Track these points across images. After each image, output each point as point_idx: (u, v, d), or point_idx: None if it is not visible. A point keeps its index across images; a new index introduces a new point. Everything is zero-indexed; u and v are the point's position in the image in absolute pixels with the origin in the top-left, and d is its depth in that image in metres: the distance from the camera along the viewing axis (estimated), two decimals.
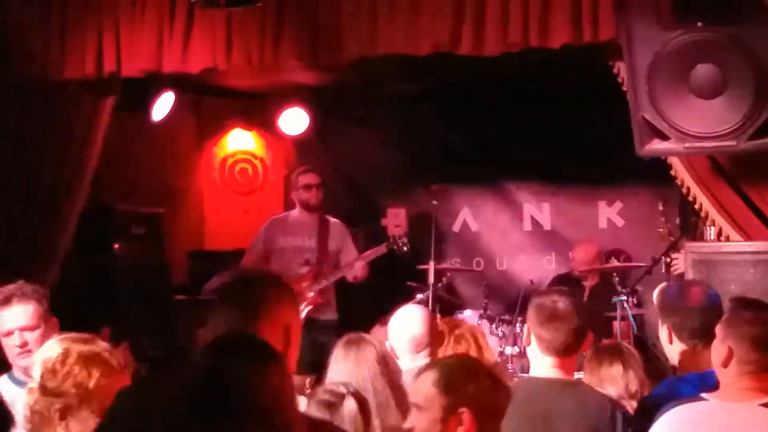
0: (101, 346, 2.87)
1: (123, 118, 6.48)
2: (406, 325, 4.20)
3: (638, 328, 6.45)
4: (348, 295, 7.20)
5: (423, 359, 4.09)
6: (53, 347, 2.87)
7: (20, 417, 2.80)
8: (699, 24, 4.64)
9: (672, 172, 5.38)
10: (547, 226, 8.20)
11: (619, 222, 8.00)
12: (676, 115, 4.71)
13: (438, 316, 5.94)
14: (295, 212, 6.97)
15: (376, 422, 3.37)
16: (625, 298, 6.38)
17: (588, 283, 7.30)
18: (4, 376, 3.71)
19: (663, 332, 3.52)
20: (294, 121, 8.42)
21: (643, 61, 4.74)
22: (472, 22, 5.20)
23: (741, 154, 4.83)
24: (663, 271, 6.35)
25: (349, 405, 2.96)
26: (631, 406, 3.72)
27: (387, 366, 3.56)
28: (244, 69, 6.09)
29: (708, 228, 5.38)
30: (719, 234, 5.26)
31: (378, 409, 3.40)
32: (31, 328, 3.65)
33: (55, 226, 6.14)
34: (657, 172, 5.83)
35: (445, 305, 7.16)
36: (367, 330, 4.77)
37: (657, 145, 4.84)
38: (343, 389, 3.02)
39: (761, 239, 5.03)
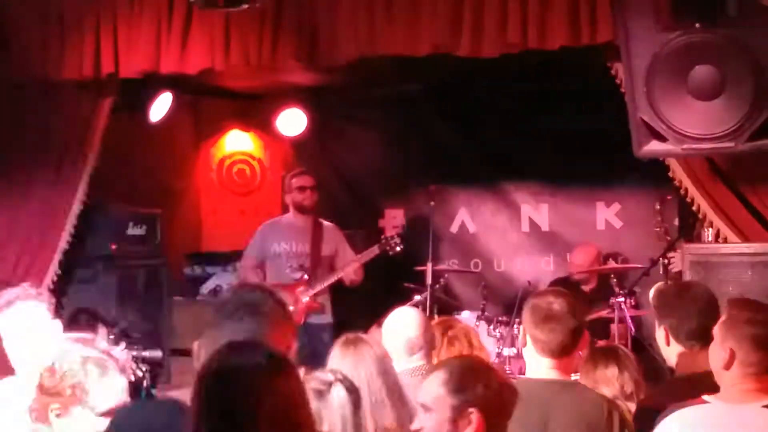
0: (101, 347, 2.87)
1: (121, 118, 6.48)
2: (400, 327, 4.20)
3: (636, 330, 6.45)
4: (345, 297, 7.19)
5: (417, 361, 4.09)
6: (54, 347, 2.87)
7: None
8: (697, 25, 4.65)
9: (670, 174, 5.39)
10: (545, 228, 8.20)
11: (618, 223, 8.00)
12: (674, 117, 4.72)
13: (435, 317, 5.94)
14: (289, 216, 6.92)
15: (370, 423, 3.35)
16: (622, 299, 6.37)
17: (586, 287, 7.29)
18: (7, 379, 3.70)
19: (660, 334, 3.51)
20: (292, 122, 8.42)
21: (642, 62, 4.75)
22: (471, 23, 5.20)
23: (739, 156, 4.84)
24: (661, 272, 6.35)
25: (338, 392, 2.92)
26: (626, 406, 3.72)
27: (384, 367, 3.55)
28: (242, 70, 6.09)
29: (706, 229, 5.39)
30: (717, 235, 5.27)
31: (373, 410, 3.39)
32: (34, 330, 3.64)
33: (52, 226, 6.13)
34: (655, 173, 5.83)
35: (443, 307, 7.16)
36: (365, 331, 4.76)
37: (655, 147, 4.84)
38: (331, 376, 2.99)
39: (759, 241, 5.04)
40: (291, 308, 6.44)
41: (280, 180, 8.29)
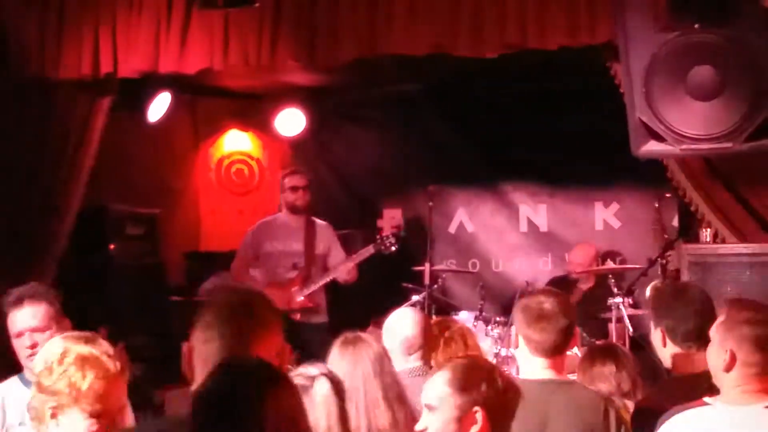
0: (102, 347, 2.87)
1: (119, 118, 6.48)
2: (399, 326, 4.20)
3: (634, 329, 6.45)
4: (343, 297, 7.19)
5: (415, 362, 4.09)
6: (55, 346, 2.87)
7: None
8: (696, 26, 4.65)
9: (668, 174, 5.39)
10: (543, 228, 8.20)
11: (616, 224, 8.00)
12: (672, 117, 4.72)
13: (433, 317, 5.94)
14: (282, 215, 6.87)
15: (364, 422, 3.36)
16: (621, 299, 6.37)
17: (584, 285, 7.30)
18: (15, 378, 3.70)
19: (656, 335, 3.50)
20: (290, 121, 8.42)
21: (640, 62, 4.74)
22: (470, 23, 5.20)
23: (737, 156, 4.83)
24: (659, 272, 6.35)
25: (321, 386, 2.90)
26: (623, 404, 3.72)
27: (382, 366, 3.54)
28: (241, 69, 6.09)
29: (704, 230, 5.39)
30: (715, 236, 5.27)
31: (366, 411, 3.39)
32: (42, 330, 3.63)
33: (51, 226, 6.13)
34: (654, 173, 5.84)
35: (441, 307, 7.16)
36: (362, 331, 4.76)
37: (653, 147, 4.84)
38: (314, 371, 2.98)
39: (757, 241, 5.04)
40: (285, 308, 6.50)
41: (279, 180, 8.29)
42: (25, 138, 6.07)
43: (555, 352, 3.44)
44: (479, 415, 2.72)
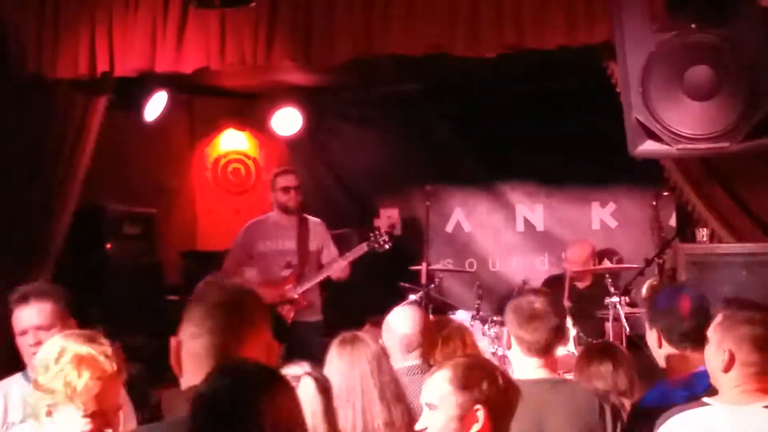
0: (100, 347, 2.87)
1: (116, 117, 6.46)
2: (398, 325, 4.20)
3: (631, 329, 6.45)
4: (340, 296, 7.19)
5: (413, 360, 4.09)
6: (53, 344, 2.87)
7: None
8: (693, 26, 4.65)
9: (665, 174, 5.39)
10: (540, 227, 8.21)
11: (613, 223, 8.01)
12: (669, 117, 4.72)
13: (430, 316, 5.94)
14: (274, 214, 6.81)
15: (359, 422, 3.37)
16: (617, 299, 6.38)
17: (581, 285, 7.30)
18: (19, 375, 3.70)
19: (652, 336, 3.50)
20: (287, 121, 8.42)
21: (637, 62, 4.74)
22: (467, 23, 5.20)
23: (734, 156, 4.83)
24: (656, 272, 6.36)
25: (305, 386, 2.90)
26: (620, 402, 3.72)
27: (380, 366, 3.54)
28: (238, 69, 6.08)
29: (700, 229, 5.39)
30: (712, 235, 5.27)
31: (363, 410, 3.40)
32: (46, 328, 3.61)
33: (47, 225, 6.12)
34: (650, 173, 5.84)
35: (438, 306, 7.16)
36: (359, 330, 4.76)
37: (650, 147, 4.84)
38: (300, 370, 2.98)
39: (754, 241, 5.04)
40: (278, 303, 6.49)
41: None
42: (21, 137, 6.06)
43: (547, 351, 3.47)
44: (481, 413, 2.73)
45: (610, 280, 6.60)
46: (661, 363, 3.52)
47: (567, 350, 6.07)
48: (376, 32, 5.37)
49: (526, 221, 8.23)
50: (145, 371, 5.95)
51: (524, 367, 3.46)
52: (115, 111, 6.33)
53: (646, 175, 6.43)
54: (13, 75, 5.90)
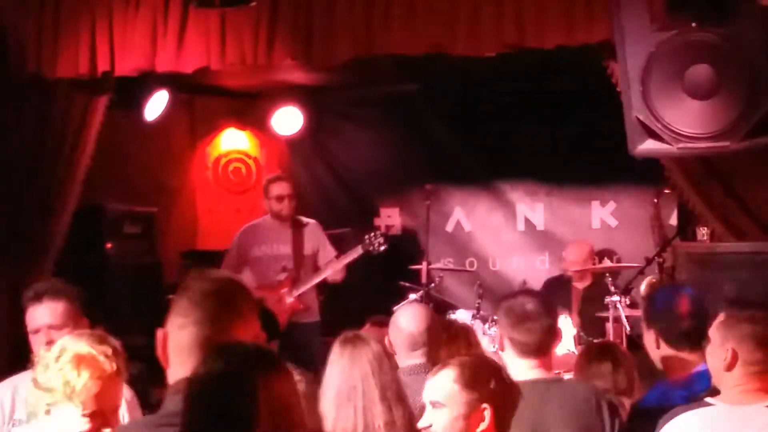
0: (100, 347, 2.87)
1: (116, 117, 6.46)
2: (404, 322, 4.19)
3: (631, 328, 6.45)
4: (340, 296, 7.19)
5: (418, 358, 4.08)
6: (57, 344, 2.89)
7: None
8: (693, 24, 4.65)
9: (666, 173, 5.39)
10: (540, 227, 8.21)
11: (613, 222, 8.01)
12: (669, 116, 4.71)
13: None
14: (269, 218, 6.78)
15: (360, 422, 3.36)
16: (618, 298, 6.38)
17: (581, 285, 7.29)
18: (28, 372, 3.70)
19: (649, 337, 3.51)
20: (287, 120, 8.42)
21: (637, 61, 4.74)
22: (467, 23, 5.20)
23: (734, 155, 4.83)
24: (656, 271, 6.36)
25: None
26: (618, 401, 3.72)
27: (381, 366, 3.53)
28: (238, 68, 6.08)
29: (701, 228, 5.39)
30: (712, 234, 5.27)
31: (364, 410, 3.39)
32: (58, 327, 3.62)
33: (47, 224, 6.12)
34: (651, 172, 5.83)
35: (438, 305, 7.15)
36: (359, 330, 4.75)
37: (650, 146, 4.84)
38: None
39: (754, 240, 5.04)
40: (275, 311, 6.48)
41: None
42: (21, 137, 6.06)
43: (542, 351, 3.46)
44: (487, 412, 2.73)
45: (610, 279, 6.60)
46: (659, 363, 3.51)
47: (567, 349, 6.08)
48: (377, 32, 5.37)
49: (527, 220, 8.23)
50: (146, 371, 5.95)
51: (518, 369, 3.44)
52: (115, 110, 6.32)
53: (647, 174, 6.43)
54: (13, 74, 5.89)
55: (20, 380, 3.66)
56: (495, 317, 6.84)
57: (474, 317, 6.86)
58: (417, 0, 5.29)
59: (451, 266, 8.13)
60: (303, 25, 5.49)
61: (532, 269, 8.02)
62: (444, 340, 4.35)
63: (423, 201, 7.55)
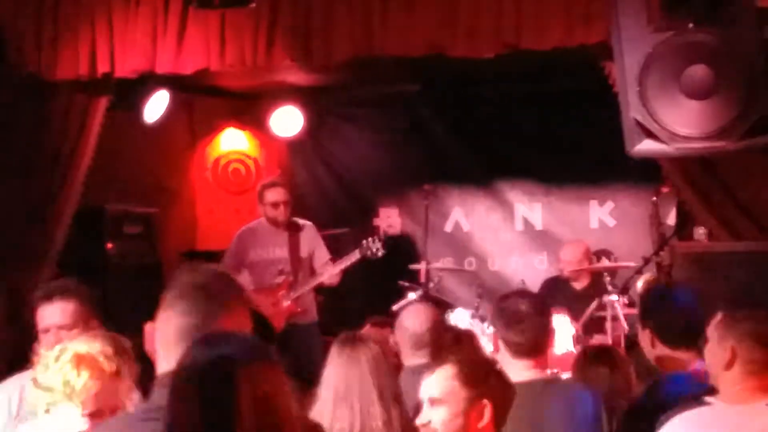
0: (103, 348, 2.88)
1: (116, 118, 6.47)
2: (409, 322, 4.20)
3: (630, 328, 6.45)
4: (339, 296, 7.19)
5: (423, 357, 4.09)
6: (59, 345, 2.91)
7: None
8: (690, 25, 4.65)
9: (663, 173, 5.40)
10: (539, 226, 8.22)
11: (611, 222, 8.02)
12: (666, 116, 4.71)
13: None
14: (264, 221, 6.74)
15: (357, 423, 3.38)
16: (616, 298, 6.38)
17: (579, 284, 7.29)
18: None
19: (645, 336, 3.50)
20: (287, 121, 8.42)
21: (634, 62, 4.74)
22: (466, 24, 5.21)
23: (731, 155, 4.84)
24: (654, 270, 6.36)
25: None
26: (616, 402, 3.73)
27: (378, 367, 3.53)
28: (238, 69, 6.08)
29: (698, 228, 5.40)
30: (709, 234, 5.28)
31: (361, 411, 3.40)
32: (68, 327, 3.62)
33: (48, 225, 6.12)
34: (649, 172, 5.84)
35: (437, 305, 7.14)
36: (358, 330, 4.77)
37: (648, 146, 4.84)
38: None
39: (751, 239, 5.05)
40: (272, 314, 6.48)
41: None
42: (22, 138, 6.06)
43: (535, 352, 3.46)
44: (487, 409, 2.74)
45: (608, 279, 6.61)
46: (655, 363, 3.51)
47: (566, 349, 6.09)
48: (376, 32, 5.38)
49: (525, 220, 8.24)
50: (147, 371, 5.96)
51: (513, 370, 3.44)
52: (115, 112, 6.33)
53: (645, 174, 6.44)
54: (13, 76, 5.90)
55: (27, 379, 3.68)
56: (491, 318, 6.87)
57: (473, 317, 6.87)
58: (415, 1, 5.30)
59: (450, 266, 8.13)
60: (302, 25, 5.50)
61: (531, 269, 8.02)
62: (449, 341, 4.37)
63: (422, 201, 7.55)
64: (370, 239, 6.60)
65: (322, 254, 6.73)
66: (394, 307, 6.68)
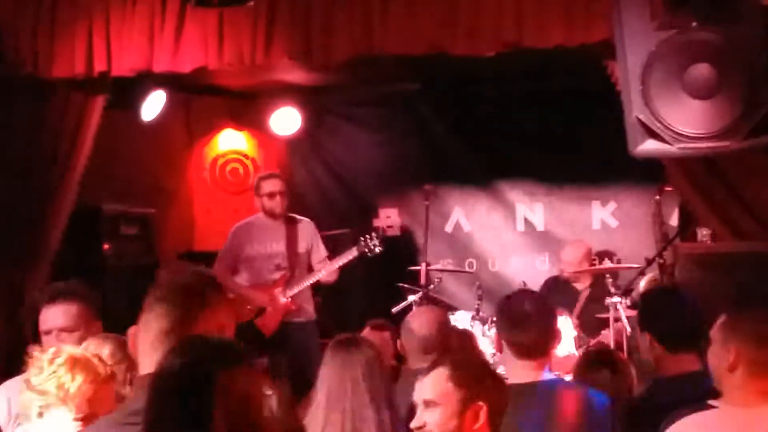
0: (98, 350, 2.86)
1: (113, 117, 6.44)
2: (416, 326, 4.19)
3: (632, 330, 6.42)
4: (339, 297, 7.16)
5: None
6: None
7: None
8: (693, 24, 4.63)
9: (666, 173, 5.37)
10: (540, 227, 8.18)
11: (613, 223, 7.99)
12: (669, 116, 4.70)
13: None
14: (262, 216, 6.73)
15: (349, 426, 3.38)
16: (618, 299, 6.35)
17: (581, 286, 7.25)
18: None
19: (644, 339, 3.50)
20: (286, 120, 8.40)
21: (637, 60, 4.73)
22: (467, 22, 5.19)
23: (735, 155, 4.82)
24: (657, 271, 6.32)
25: None
26: (618, 404, 3.70)
27: (372, 370, 3.53)
28: (236, 68, 6.05)
29: (702, 229, 5.37)
30: (713, 234, 5.25)
31: (353, 414, 3.40)
32: (70, 330, 3.63)
33: (44, 226, 6.10)
34: (652, 172, 5.81)
35: (438, 307, 7.11)
36: (358, 332, 4.74)
37: (651, 146, 4.82)
38: None
39: (755, 239, 5.02)
40: (268, 309, 6.45)
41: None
42: (18, 137, 6.04)
43: (540, 353, 3.44)
44: (482, 410, 2.72)
45: (610, 280, 6.58)
46: (654, 365, 3.51)
47: (568, 351, 6.05)
48: (376, 31, 5.35)
49: (527, 221, 8.21)
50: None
51: (516, 371, 3.43)
52: (112, 111, 6.30)
53: (647, 174, 6.40)
54: (9, 74, 5.87)
55: None
56: (494, 318, 6.84)
57: (474, 318, 6.84)
58: None
59: (451, 267, 8.09)
60: (301, 24, 5.47)
61: (532, 270, 7.98)
62: (457, 344, 4.35)
63: (422, 201, 7.52)
64: (367, 236, 6.60)
65: (320, 251, 6.71)
66: (394, 310, 6.66)
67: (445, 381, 2.77)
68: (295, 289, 6.53)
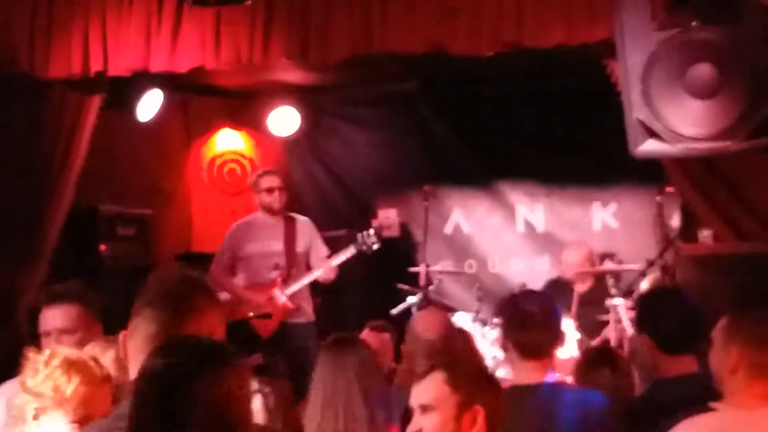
0: (93, 352, 2.85)
1: (110, 117, 6.42)
2: (420, 330, 4.17)
3: (633, 331, 6.40)
4: (338, 298, 7.14)
5: None
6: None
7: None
8: (694, 23, 4.62)
9: (667, 173, 5.36)
10: (540, 228, 8.15)
11: (614, 224, 7.96)
12: (670, 116, 4.69)
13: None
14: (260, 215, 6.71)
15: (341, 426, 3.38)
16: (620, 301, 6.33)
17: (582, 287, 7.22)
18: None
19: (642, 341, 3.52)
20: (284, 120, 8.37)
21: (638, 60, 4.72)
22: (466, 21, 5.18)
23: (737, 155, 4.80)
24: (659, 272, 6.30)
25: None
26: (618, 404, 3.69)
27: (365, 371, 3.53)
28: (234, 68, 6.03)
29: (703, 230, 5.36)
30: (714, 236, 5.24)
31: (345, 415, 3.40)
32: (69, 332, 3.61)
33: (41, 226, 6.09)
34: (652, 173, 5.79)
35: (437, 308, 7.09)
36: (357, 333, 4.72)
37: (651, 146, 4.81)
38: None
39: (756, 241, 5.01)
40: (268, 311, 6.42)
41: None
42: (14, 138, 6.04)
43: (544, 354, 3.43)
44: (480, 414, 2.70)
45: (611, 281, 6.55)
46: (653, 366, 3.52)
47: (570, 354, 6.02)
48: (374, 30, 5.34)
49: (527, 222, 8.18)
50: None
51: (520, 372, 3.42)
52: (109, 111, 6.29)
53: (648, 175, 6.38)
54: (5, 74, 5.86)
55: None
56: (495, 320, 6.82)
57: (474, 320, 6.82)
58: None
59: (450, 268, 8.06)
60: (299, 23, 5.46)
61: (532, 271, 7.96)
62: (462, 347, 4.34)
63: (421, 202, 7.50)
64: (365, 233, 6.59)
65: (320, 250, 6.68)
66: (393, 311, 6.64)
67: (441, 385, 2.75)
68: (293, 288, 6.50)
